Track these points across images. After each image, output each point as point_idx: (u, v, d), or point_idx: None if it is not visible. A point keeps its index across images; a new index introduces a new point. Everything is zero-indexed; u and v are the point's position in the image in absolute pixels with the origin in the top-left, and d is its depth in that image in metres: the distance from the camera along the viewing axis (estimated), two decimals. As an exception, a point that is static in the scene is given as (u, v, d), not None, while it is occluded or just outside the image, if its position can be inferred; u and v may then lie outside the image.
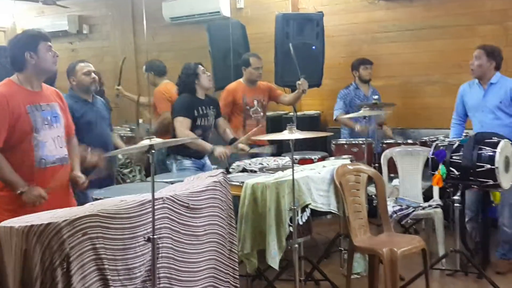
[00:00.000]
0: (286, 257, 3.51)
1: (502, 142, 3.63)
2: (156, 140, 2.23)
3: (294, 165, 3.21)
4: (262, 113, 5.22)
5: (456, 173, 3.69)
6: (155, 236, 2.27)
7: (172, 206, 2.50)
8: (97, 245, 2.16)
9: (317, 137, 6.02)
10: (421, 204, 4.32)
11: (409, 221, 4.49)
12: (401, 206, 4.26)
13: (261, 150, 4.58)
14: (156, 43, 7.37)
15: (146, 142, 2.21)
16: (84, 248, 2.11)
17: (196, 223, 2.64)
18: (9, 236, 2.05)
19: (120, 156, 5.01)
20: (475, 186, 3.76)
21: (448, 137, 4.87)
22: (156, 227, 2.32)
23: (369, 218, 3.81)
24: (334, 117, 5.58)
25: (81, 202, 3.31)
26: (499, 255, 4.16)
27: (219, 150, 4.20)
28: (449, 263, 4.03)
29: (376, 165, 4.68)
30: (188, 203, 2.58)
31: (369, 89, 5.61)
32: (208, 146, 4.23)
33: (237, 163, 4.44)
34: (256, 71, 5.10)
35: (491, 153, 3.60)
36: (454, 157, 3.72)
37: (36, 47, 2.93)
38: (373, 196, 4.15)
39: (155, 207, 2.31)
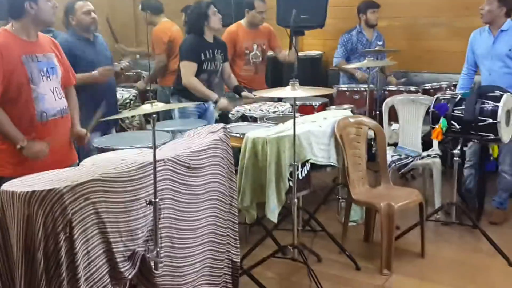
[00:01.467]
0: (285, 206, 3.56)
1: (505, 96, 3.59)
2: (158, 105, 2.19)
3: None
4: (261, 58, 5.13)
5: (457, 127, 3.67)
6: (156, 200, 2.28)
7: (173, 167, 2.49)
8: (99, 209, 2.17)
9: (318, 77, 6.09)
10: (420, 153, 4.33)
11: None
12: (400, 155, 4.28)
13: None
14: (155, -26, 7.10)
15: (147, 107, 2.17)
16: (86, 213, 2.12)
17: (196, 182, 2.64)
18: (11, 201, 2.05)
19: (118, 96, 4.95)
20: (476, 140, 3.76)
21: (451, 84, 4.87)
22: (157, 189, 2.33)
23: (367, 163, 3.86)
24: (334, 64, 5.48)
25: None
26: (495, 203, 4.23)
27: (223, 103, 4.17)
28: (445, 213, 4.10)
29: (377, 112, 4.67)
30: (189, 163, 2.58)
31: (374, 34, 5.46)
32: (213, 96, 4.18)
33: (236, 108, 4.42)
34: (259, 15, 4.97)
35: (494, 107, 3.56)
36: (455, 111, 3.69)
37: None
38: (373, 143, 4.15)
39: (156, 168, 2.31)
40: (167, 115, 4.69)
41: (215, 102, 4.21)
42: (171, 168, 2.49)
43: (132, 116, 5.32)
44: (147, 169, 2.36)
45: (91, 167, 2.38)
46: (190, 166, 2.60)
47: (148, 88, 5.39)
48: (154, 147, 2.20)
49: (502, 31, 4.04)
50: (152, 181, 2.31)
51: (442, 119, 3.70)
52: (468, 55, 4.31)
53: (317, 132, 3.49)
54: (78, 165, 3.09)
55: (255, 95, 3.81)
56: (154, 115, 2.18)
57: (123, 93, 5.17)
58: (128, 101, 5.26)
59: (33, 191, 2.03)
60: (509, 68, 4.02)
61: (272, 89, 3.24)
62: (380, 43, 5.05)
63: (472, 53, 4.26)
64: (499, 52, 4.03)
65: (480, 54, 4.16)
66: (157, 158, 2.32)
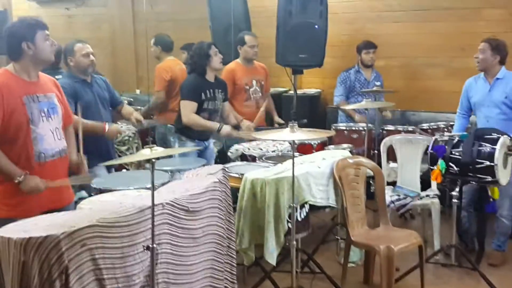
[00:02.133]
0: (283, 246, 3.53)
1: (502, 139, 3.61)
2: (157, 150, 2.19)
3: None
4: (261, 94, 5.19)
5: (455, 168, 3.68)
6: (154, 245, 2.26)
7: (171, 211, 2.48)
8: (96, 256, 2.15)
9: (317, 115, 6.12)
10: (419, 193, 4.32)
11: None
12: (399, 195, 4.27)
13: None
14: (155, 12, 7.23)
15: (146, 152, 2.17)
16: (82, 260, 2.10)
17: (194, 225, 2.63)
18: (7, 247, 2.04)
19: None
20: (474, 182, 3.76)
21: (448, 124, 4.90)
22: (155, 233, 2.31)
23: (366, 201, 3.84)
24: (335, 103, 5.54)
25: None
26: (494, 246, 4.21)
27: (226, 130, 4.23)
28: (444, 254, 4.07)
29: (376, 151, 4.68)
30: (187, 207, 2.57)
31: (372, 73, 5.54)
32: (215, 125, 4.25)
33: (235, 146, 4.44)
34: (251, 49, 5.09)
35: (491, 150, 3.58)
36: (453, 153, 3.70)
37: (34, 37, 2.84)
38: (371, 181, 4.14)
39: (155, 213, 2.30)
40: (167, 145, 4.72)
41: (219, 130, 4.25)
42: (169, 212, 2.48)
43: (131, 153, 5.37)
44: (145, 214, 2.35)
45: (89, 211, 2.37)
46: (189, 209, 2.59)
47: (146, 124, 5.45)
48: (153, 194, 2.19)
49: (497, 79, 4.09)
50: (150, 226, 2.29)
51: (440, 161, 3.71)
52: (462, 100, 4.35)
53: (316, 173, 3.49)
54: (75, 203, 3.09)
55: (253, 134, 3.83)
56: (154, 160, 2.18)
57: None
58: (127, 138, 5.29)
59: (30, 238, 2.01)
60: (506, 115, 4.05)
61: (271, 131, 3.25)
62: (378, 83, 5.10)
63: (467, 99, 4.30)
64: (495, 99, 4.07)
65: (477, 101, 4.19)
66: (155, 202, 2.31)
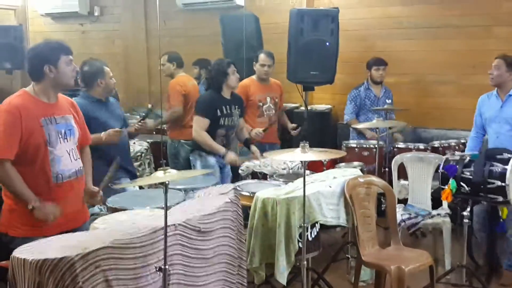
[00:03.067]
0: (294, 266, 3.54)
1: (513, 159, 3.61)
2: (171, 173, 2.22)
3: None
4: (274, 110, 5.23)
5: (467, 188, 3.67)
6: (166, 266, 2.29)
7: (183, 232, 2.51)
8: (110, 277, 2.18)
9: (328, 131, 6.15)
10: (430, 212, 4.32)
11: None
12: (410, 214, 4.27)
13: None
14: (168, 28, 7.29)
15: (160, 175, 2.21)
16: (96, 281, 2.14)
17: (206, 246, 2.66)
18: (22, 268, 2.08)
19: (131, 149, 5.01)
20: (485, 202, 3.75)
21: (460, 142, 4.90)
22: (167, 254, 2.34)
23: (377, 219, 3.84)
24: (345, 122, 5.56)
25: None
26: (505, 266, 4.18)
27: (230, 157, 4.24)
28: (455, 274, 4.05)
29: (386, 169, 4.69)
30: (199, 227, 2.60)
31: (381, 90, 5.56)
32: (221, 150, 4.26)
33: (246, 164, 4.46)
34: (261, 67, 5.15)
35: (502, 170, 3.58)
36: (464, 172, 3.70)
37: (57, 61, 2.87)
38: (382, 200, 4.15)
39: (167, 234, 2.32)
40: (188, 166, 4.72)
41: (223, 156, 4.28)
42: (181, 233, 2.51)
43: (143, 169, 5.43)
44: (158, 235, 2.38)
45: (102, 231, 2.40)
46: (201, 230, 2.61)
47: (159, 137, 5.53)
48: (166, 216, 2.22)
49: (510, 95, 4.10)
50: (162, 247, 2.32)
51: (451, 180, 3.71)
52: (476, 118, 4.36)
53: (327, 193, 3.50)
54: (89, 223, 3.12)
55: (264, 156, 3.85)
56: (167, 182, 2.21)
57: (134, 146, 5.25)
58: (139, 154, 5.35)
59: (45, 259, 2.05)
60: None
61: (282, 151, 3.28)
62: (389, 101, 5.12)
63: (480, 116, 4.32)
64: (506, 115, 4.08)
65: (488, 117, 4.21)
66: (168, 223, 2.34)
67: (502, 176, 3.56)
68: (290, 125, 5.39)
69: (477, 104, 4.34)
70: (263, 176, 4.27)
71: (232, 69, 4.35)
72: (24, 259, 2.08)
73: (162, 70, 5.64)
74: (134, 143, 5.28)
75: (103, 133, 3.76)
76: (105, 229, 2.46)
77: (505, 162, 3.58)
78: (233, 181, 4.51)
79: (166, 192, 2.22)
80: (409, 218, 4.22)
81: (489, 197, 3.62)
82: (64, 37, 8.37)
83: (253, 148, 4.46)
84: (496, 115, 4.14)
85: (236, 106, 4.43)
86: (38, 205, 2.78)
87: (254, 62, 5.23)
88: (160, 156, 5.63)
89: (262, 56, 5.18)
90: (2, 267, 2.40)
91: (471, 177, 3.67)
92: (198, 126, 4.27)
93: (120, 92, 5.02)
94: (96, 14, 8.02)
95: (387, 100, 5.13)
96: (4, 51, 7.53)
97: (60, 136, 2.90)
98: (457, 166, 3.73)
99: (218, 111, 4.28)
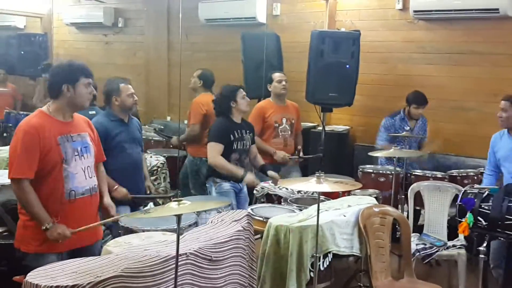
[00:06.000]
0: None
1: (533, 196, 3.54)
2: (185, 204, 2.22)
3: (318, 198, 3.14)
4: (290, 132, 5.23)
5: (484, 223, 3.60)
6: (176, 297, 2.29)
7: (195, 260, 2.51)
8: (120, 306, 2.19)
9: (345, 152, 6.12)
10: (445, 243, 4.27)
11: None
12: (425, 244, 4.22)
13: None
14: (189, 42, 7.38)
15: (173, 206, 2.21)
16: (106, 309, 2.14)
17: (217, 274, 2.65)
18: (34, 293, 2.09)
19: (147, 163, 5.03)
20: (502, 238, 3.69)
21: (478, 171, 4.83)
22: (178, 283, 2.34)
23: (391, 245, 3.80)
24: (378, 147, 5.28)
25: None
26: (521, 302, 4.10)
27: (249, 178, 4.24)
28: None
29: (403, 196, 4.64)
30: (211, 256, 2.60)
31: (417, 124, 5.33)
32: (239, 172, 4.26)
33: (261, 184, 4.45)
34: (279, 84, 5.19)
35: (521, 206, 3.52)
36: (482, 206, 3.64)
37: (76, 82, 2.95)
38: (398, 227, 4.10)
39: (178, 263, 2.32)
40: (204, 191, 4.73)
41: (242, 178, 4.27)
42: (193, 262, 2.51)
43: (158, 183, 5.44)
44: (169, 264, 2.39)
45: (114, 258, 2.40)
46: (212, 258, 2.61)
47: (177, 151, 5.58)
48: (178, 245, 2.22)
49: None
50: (173, 276, 2.32)
51: (468, 214, 3.64)
52: (490, 156, 4.28)
53: (341, 222, 3.48)
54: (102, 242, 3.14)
55: (280, 182, 3.83)
56: (180, 215, 2.21)
57: (151, 160, 5.27)
58: (155, 168, 5.36)
59: (57, 286, 2.06)
60: None
61: (297, 180, 3.27)
62: (422, 133, 5.07)
63: (493, 155, 4.25)
64: None
65: (501, 156, 4.14)
66: (179, 252, 2.33)
67: (520, 212, 3.50)
68: (299, 147, 5.39)
69: (491, 142, 4.27)
70: (277, 198, 4.26)
71: (242, 94, 4.35)
72: (36, 284, 2.10)
73: (190, 82, 5.66)
74: (151, 156, 5.31)
75: (116, 186, 3.72)
76: (118, 255, 2.46)
77: (524, 198, 3.52)
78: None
79: (178, 223, 2.22)
80: (424, 249, 4.17)
81: (507, 233, 3.56)
82: (87, 47, 8.52)
83: (271, 173, 4.44)
84: (508, 154, 4.08)
85: (247, 131, 4.43)
86: (51, 226, 2.82)
87: (268, 84, 5.25)
88: (176, 171, 5.66)
89: (276, 74, 5.23)
90: (17, 282, 2.44)
91: (489, 211, 3.61)
92: (214, 151, 4.26)
93: (140, 103, 5.05)
94: (120, 25, 8.14)
95: (420, 132, 5.07)
96: (28, 58, 7.70)
97: (76, 153, 2.96)
98: (475, 200, 3.67)
99: (231, 136, 4.29)
